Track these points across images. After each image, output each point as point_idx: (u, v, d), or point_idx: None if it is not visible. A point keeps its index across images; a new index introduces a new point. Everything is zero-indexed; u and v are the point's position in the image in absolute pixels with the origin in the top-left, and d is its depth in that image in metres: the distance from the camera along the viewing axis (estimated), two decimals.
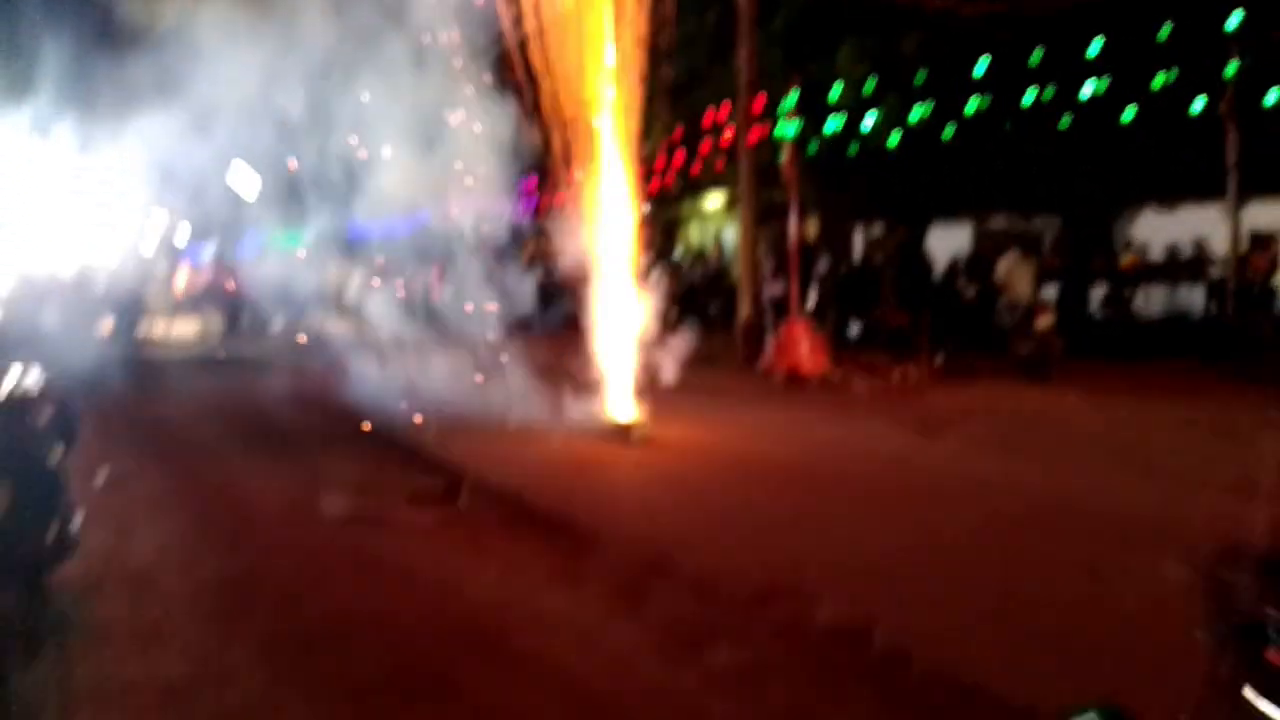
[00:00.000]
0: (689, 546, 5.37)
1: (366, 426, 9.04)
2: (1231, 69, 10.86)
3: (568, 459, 7.84)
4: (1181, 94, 11.25)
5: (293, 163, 11.16)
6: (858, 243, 18.54)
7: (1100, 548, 5.23)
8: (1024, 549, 5.32)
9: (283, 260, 15.74)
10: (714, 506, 6.45)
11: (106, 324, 15.10)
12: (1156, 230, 16.76)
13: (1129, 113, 11.47)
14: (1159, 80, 11.16)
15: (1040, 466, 7.24)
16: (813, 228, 16.71)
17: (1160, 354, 12.47)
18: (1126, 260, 16.71)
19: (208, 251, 21.43)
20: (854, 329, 14.18)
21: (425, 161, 10.00)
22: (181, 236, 22.99)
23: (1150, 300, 16.02)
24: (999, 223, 17.80)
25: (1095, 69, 11.64)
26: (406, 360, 11.19)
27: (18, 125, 13.18)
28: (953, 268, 15.82)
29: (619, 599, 4.64)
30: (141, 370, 13.62)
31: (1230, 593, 1.17)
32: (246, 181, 15.48)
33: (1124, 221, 16.76)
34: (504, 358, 10.81)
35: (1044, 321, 11.60)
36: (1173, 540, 4.75)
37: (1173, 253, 16.35)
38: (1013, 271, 12.39)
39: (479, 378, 10.20)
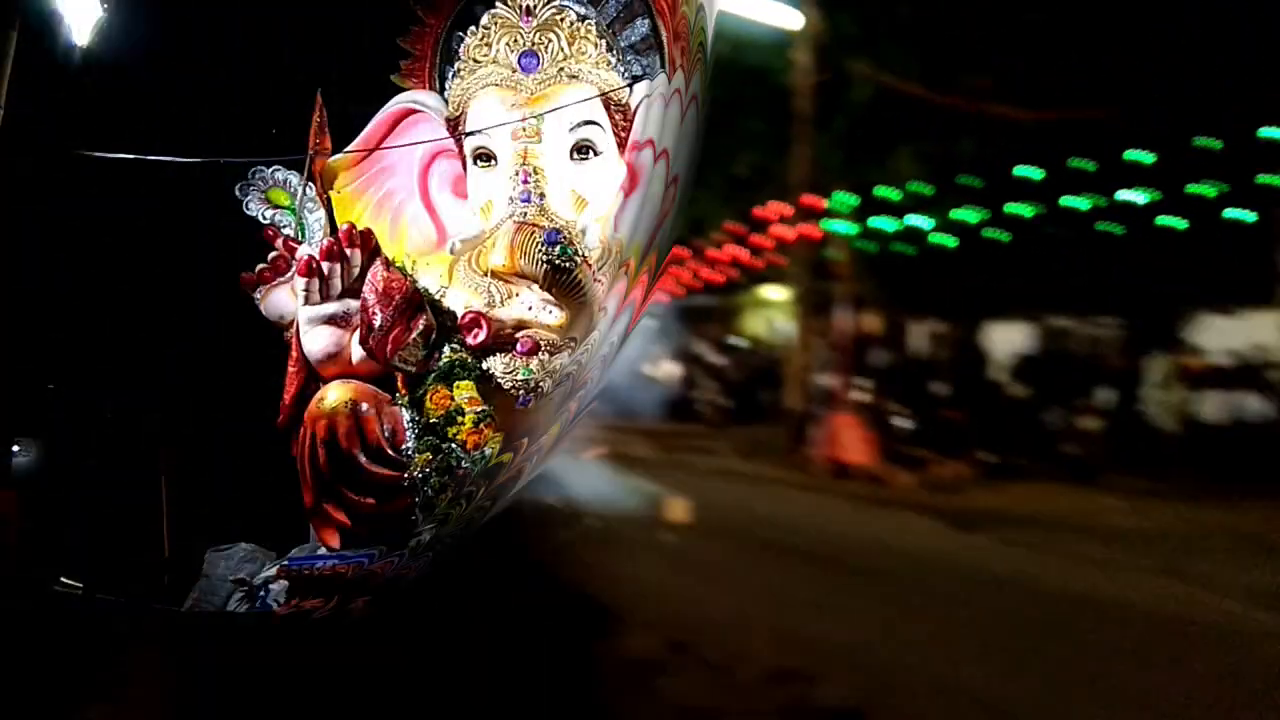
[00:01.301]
0: (710, 628, 5.60)
1: None
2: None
3: (596, 540, 8.04)
4: (1230, 203, 11.37)
5: None
6: (914, 337, 18.66)
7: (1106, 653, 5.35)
8: (1026, 649, 5.46)
9: None
10: (739, 590, 6.64)
11: None
12: (1218, 335, 16.51)
13: (1179, 222, 11.62)
14: (1208, 190, 11.32)
15: (1066, 566, 7.29)
16: (874, 321, 16.90)
17: (1220, 461, 12.26)
18: (1194, 364, 16.38)
19: None
20: (905, 423, 14.27)
21: None
22: None
23: (1211, 406, 15.70)
24: (1059, 322, 17.79)
25: (1145, 175, 11.85)
26: None
27: None
28: (1022, 365, 15.76)
29: (635, 677, 4.88)
30: None
31: None
32: None
33: (1186, 324, 16.60)
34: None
35: (1090, 423, 11.60)
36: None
37: (1240, 358, 16.02)
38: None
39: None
